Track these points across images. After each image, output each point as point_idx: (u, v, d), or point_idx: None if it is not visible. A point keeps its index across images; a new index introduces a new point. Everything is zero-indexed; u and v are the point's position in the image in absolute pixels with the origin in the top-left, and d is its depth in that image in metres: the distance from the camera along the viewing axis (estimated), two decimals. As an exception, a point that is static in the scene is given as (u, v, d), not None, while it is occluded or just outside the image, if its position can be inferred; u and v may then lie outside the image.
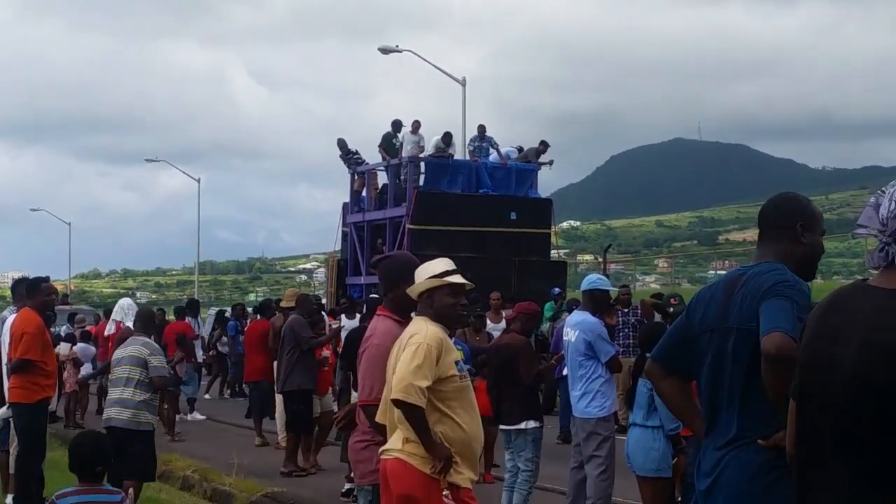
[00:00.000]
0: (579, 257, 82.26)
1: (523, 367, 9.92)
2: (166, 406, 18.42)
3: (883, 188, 3.22)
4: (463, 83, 35.30)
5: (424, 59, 35.88)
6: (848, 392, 2.98)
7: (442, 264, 6.56)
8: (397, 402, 6.12)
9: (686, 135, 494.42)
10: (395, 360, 6.34)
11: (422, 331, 6.28)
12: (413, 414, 6.13)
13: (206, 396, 24.16)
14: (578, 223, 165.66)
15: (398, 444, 6.27)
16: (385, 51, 35.80)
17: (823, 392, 3.06)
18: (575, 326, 9.77)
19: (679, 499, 9.20)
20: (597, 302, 10.12)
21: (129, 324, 15.32)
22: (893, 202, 3.11)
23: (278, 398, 15.79)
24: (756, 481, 4.03)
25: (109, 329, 19.52)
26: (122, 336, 13.91)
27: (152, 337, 11.53)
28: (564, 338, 10.01)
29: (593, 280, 10.31)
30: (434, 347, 6.21)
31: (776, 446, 3.92)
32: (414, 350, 6.17)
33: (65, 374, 19.54)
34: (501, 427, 10.22)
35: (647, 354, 8.86)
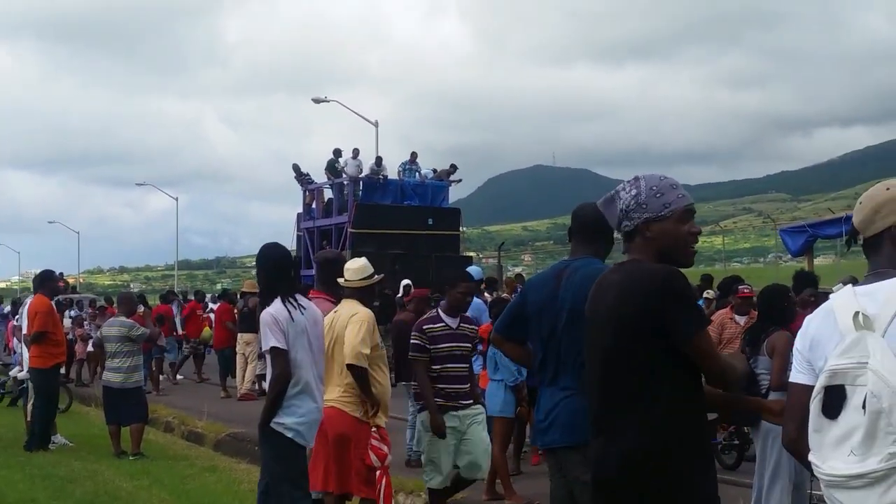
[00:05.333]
0: (467, 254, 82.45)
1: None
2: (154, 369, 18.23)
3: (611, 191, 3.29)
4: (375, 125, 35.03)
5: (346, 107, 35.63)
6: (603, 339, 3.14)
7: (369, 263, 6.59)
8: (351, 366, 6.16)
9: (544, 162, 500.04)
10: (332, 332, 6.30)
11: (360, 311, 6.34)
12: (361, 374, 6.21)
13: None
14: (465, 229, 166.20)
15: (333, 395, 6.28)
16: (317, 101, 35.44)
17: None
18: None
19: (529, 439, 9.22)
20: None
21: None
22: (630, 196, 3.28)
23: (239, 360, 15.73)
24: (584, 418, 3.77)
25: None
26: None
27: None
28: None
29: (477, 270, 10.41)
30: (371, 323, 6.32)
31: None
32: (359, 326, 6.23)
33: (76, 346, 19.45)
34: (404, 383, 10.07)
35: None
